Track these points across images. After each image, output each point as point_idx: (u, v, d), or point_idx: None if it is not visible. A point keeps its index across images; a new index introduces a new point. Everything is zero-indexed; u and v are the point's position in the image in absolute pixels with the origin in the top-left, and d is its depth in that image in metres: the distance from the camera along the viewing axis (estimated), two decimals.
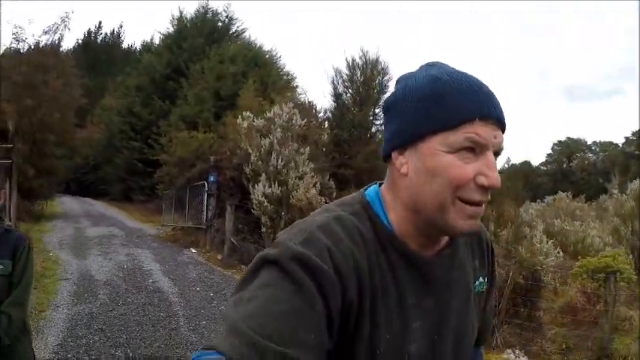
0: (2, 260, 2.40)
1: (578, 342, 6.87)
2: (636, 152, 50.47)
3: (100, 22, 60.91)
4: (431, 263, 0.96)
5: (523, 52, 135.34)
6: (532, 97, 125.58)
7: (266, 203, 10.80)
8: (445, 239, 0.99)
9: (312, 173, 11.34)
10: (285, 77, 25.86)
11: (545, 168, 63.38)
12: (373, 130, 16.31)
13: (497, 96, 0.91)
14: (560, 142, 64.01)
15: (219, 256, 11.58)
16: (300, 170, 11.24)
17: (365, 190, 1.03)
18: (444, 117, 0.86)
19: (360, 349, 0.88)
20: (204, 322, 6.66)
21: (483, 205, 0.90)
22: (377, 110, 16.43)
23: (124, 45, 59.82)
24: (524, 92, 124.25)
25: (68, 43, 57.44)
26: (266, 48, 28.12)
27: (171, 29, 31.23)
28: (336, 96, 16.39)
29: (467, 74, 0.92)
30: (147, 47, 50.81)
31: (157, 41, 39.02)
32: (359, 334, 0.88)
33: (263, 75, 22.63)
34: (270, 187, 10.87)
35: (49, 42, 18.93)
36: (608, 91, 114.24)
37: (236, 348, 0.71)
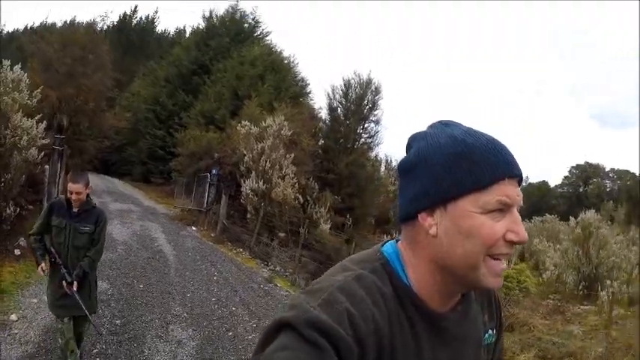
0: (89, 224, 4.33)
1: None
2: None
3: (136, 6, 64.48)
4: (447, 319, 1.01)
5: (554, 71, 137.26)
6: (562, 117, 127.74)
7: (252, 196, 14.30)
8: (459, 295, 1.04)
9: (294, 175, 14.73)
10: (299, 84, 28.85)
11: (562, 190, 65.38)
12: (360, 141, 19.69)
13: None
14: (578, 165, 65.87)
15: (213, 234, 15.21)
16: (284, 172, 14.65)
17: (382, 246, 1.07)
18: (475, 178, 0.91)
19: None
20: (187, 273, 10.08)
21: (505, 264, 0.96)
22: (366, 125, 19.83)
23: (158, 29, 63.38)
24: (552, 112, 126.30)
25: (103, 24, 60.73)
26: (285, 54, 31.16)
27: (202, 24, 34.83)
28: (331, 110, 19.81)
29: (485, 134, 0.97)
30: (180, 34, 54.36)
31: (188, 30, 42.42)
32: None
33: (279, 80, 25.89)
34: (256, 183, 14.33)
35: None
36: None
37: None
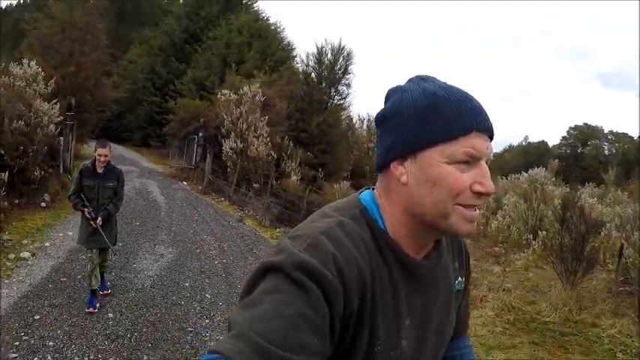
0: (112, 181, 6.04)
1: None
2: None
3: None
4: (421, 265, 1.06)
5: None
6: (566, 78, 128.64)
7: (231, 154, 17.33)
8: (431, 243, 1.10)
9: (267, 135, 17.68)
10: (285, 48, 31.07)
11: (560, 151, 64.55)
12: (332, 103, 22.53)
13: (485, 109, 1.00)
14: (576, 126, 65.99)
15: (200, 187, 18.46)
16: (258, 132, 17.61)
17: (359, 194, 1.12)
18: (442, 129, 0.95)
19: (359, 348, 0.96)
20: (174, 215, 13.18)
21: (478, 211, 1.00)
22: (339, 88, 22.64)
23: None
24: (558, 73, 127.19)
25: None
26: (272, 20, 33.62)
27: None
28: (305, 75, 22.57)
29: (459, 89, 1.01)
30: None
31: None
32: (358, 335, 0.95)
33: (264, 46, 28.37)
34: (235, 142, 17.33)
35: None
36: None
37: (243, 353, 0.75)
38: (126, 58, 41.08)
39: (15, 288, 6.39)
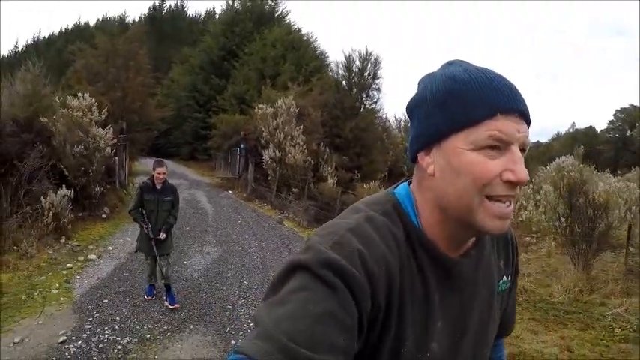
0: (169, 196, 6.83)
1: None
2: None
3: None
4: (458, 264, 1.02)
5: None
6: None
7: (270, 162, 18.66)
8: (472, 240, 1.05)
9: (303, 143, 18.91)
10: (318, 57, 32.21)
11: (608, 135, 62.33)
12: (363, 108, 23.64)
13: (519, 89, 0.93)
14: (622, 108, 62.57)
15: (244, 195, 19.89)
16: (294, 141, 18.87)
17: (394, 188, 1.09)
18: (465, 114, 0.90)
19: (385, 348, 0.93)
20: (220, 220, 14.54)
21: (512, 207, 0.94)
22: (370, 93, 23.75)
23: (189, 13, 67.41)
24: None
25: (134, 16, 64.14)
26: (304, 31, 34.99)
27: (228, 7, 38.92)
28: (337, 83, 23.75)
29: (486, 69, 0.95)
30: (210, 16, 57.91)
31: (218, 10, 45.80)
32: (385, 334, 0.92)
33: (299, 57, 29.75)
34: (273, 152, 18.65)
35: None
36: None
37: (268, 353, 0.75)
38: (168, 78, 43.03)
39: (86, 282, 7.79)
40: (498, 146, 0.90)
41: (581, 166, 19.65)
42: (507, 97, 0.91)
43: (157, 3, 65.33)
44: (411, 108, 1.02)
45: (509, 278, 1.19)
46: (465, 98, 0.91)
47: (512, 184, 0.90)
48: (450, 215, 0.96)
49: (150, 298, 7.09)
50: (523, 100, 0.93)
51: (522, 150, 0.92)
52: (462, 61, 1.01)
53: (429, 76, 1.02)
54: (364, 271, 0.87)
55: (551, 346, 6.22)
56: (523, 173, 0.89)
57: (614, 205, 13.07)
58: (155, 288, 7.29)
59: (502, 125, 0.89)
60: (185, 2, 67.11)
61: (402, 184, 1.09)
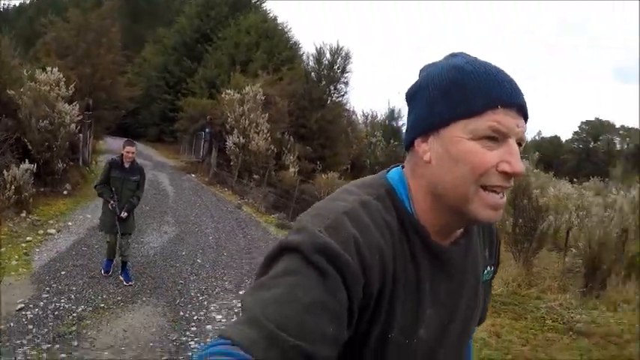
0: (136, 175, 6.99)
1: None
2: None
3: None
4: (448, 252, 1.03)
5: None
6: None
7: (234, 148, 19.08)
8: (460, 228, 1.06)
9: (268, 131, 19.36)
10: (292, 48, 32.33)
11: (573, 145, 65.88)
12: (331, 100, 24.16)
13: (518, 85, 0.96)
14: (588, 121, 66.67)
15: (206, 179, 20.29)
16: (259, 128, 19.31)
17: (387, 172, 1.09)
18: (466, 104, 0.92)
19: (373, 333, 0.94)
20: (180, 202, 14.94)
21: (505, 198, 0.95)
22: (339, 86, 24.25)
23: None
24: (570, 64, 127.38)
25: None
26: (279, 20, 35.02)
27: None
28: (306, 74, 24.22)
29: (488, 63, 0.98)
30: None
31: None
32: (375, 322, 0.93)
33: (272, 46, 29.80)
34: (237, 138, 19.07)
35: None
36: None
37: (253, 341, 0.73)
38: (141, 56, 42.60)
39: (45, 255, 8.16)
40: (496, 138, 0.92)
41: (535, 170, 20.71)
42: (508, 90, 0.93)
43: None
44: (411, 95, 1.04)
45: (492, 269, 1.22)
46: (468, 88, 0.94)
47: (507, 175, 0.92)
48: (444, 203, 0.98)
49: (106, 274, 7.33)
50: (522, 95, 0.96)
51: (519, 144, 0.95)
52: (465, 53, 1.03)
53: (432, 65, 1.04)
54: (358, 259, 0.86)
55: (480, 331, 6.49)
56: (519, 165, 0.91)
57: (564, 209, 13.94)
58: (112, 264, 7.51)
59: (502, 118, 0.91)
60: None
61: (394, 169, 1.10)
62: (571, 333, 6.81)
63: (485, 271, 1.18)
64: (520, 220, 10.82)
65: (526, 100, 0.97)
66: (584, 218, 12.39)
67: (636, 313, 7.68)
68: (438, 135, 0.96)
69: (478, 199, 0.93)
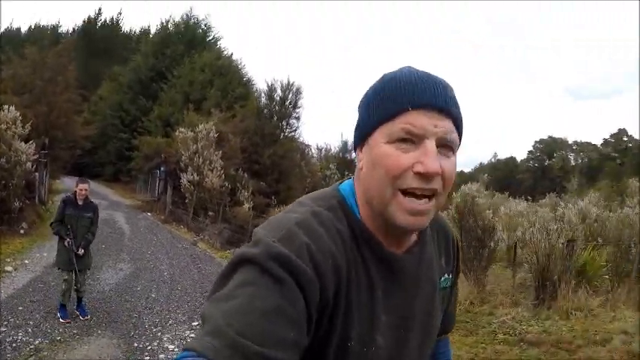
0: (89, 213, 7.30)
1: None
2: (612, 154, 55.67)
3: (100, 9, 66.20)
4: (401, 260, 1.04)
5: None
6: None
7: (188, 185, 19.62)
8: (414, 237, 1.08)
9: (221, 167, 19.95)
10: (245, 84, 33.12)
11: (528, 164, 67.85)
12: (283, 136, 24.90)
13: (448, 88, 0.97)
14: (541, 139, 68.50)
15: (162, 217, 20.72)
16: (213, 165, 19.90)
17: (340, 184, 1.11)
18: (382, 109, 0.95)
19: (332, 342, 0.95)
20: (136, 240, 15.30)
21: (429, 203, 0.95)
22: (290, 121, 25.04)
23: (124, 29, 65.70)
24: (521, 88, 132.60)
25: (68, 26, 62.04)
26: (234, 57, 35.75)
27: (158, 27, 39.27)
28: (258, 111, 24.96)
29: (419, 71, 0.99)
30: (146, 34, 56.97)
31: (153, 29, 45.76)
32: (333, 328, 0.94)
33: (225, 83, 30.54)
34: (192, 175, 19.62)
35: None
36: (607, 92, 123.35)
37: (217, 350, 0.74)
38: (97, 94, 42.84)
39: (2, 291, 8.46)
40: (412, 140, 0.92)
41: (485, 192, 21.67)
42: (422, 92, 0.93)
43: (92, 16, 64.16)
44: (358, 109, 1.06)
45: (450, 277, 1.22)
46: (384, 95, 0.96)
47: (422, 177, 0.91)
48: (372, 209, 0.99)
49: (64, 321, 7.19)
50: (446, 97, 0.95)
51: (446, 146, 0.94)
52: (409, 66, 1.03)
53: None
54: (312, 265, 0.88)
55: None
56: (432, 165, 0.90)
57: (517, 226, 14.55)
58: (67, 310, 7.43)
59: (414, 119, 0.92)
60: (121, 17, 65.31)
61: (347, 181, 1.11)
62: (522, 344, 7.11)
63: (443, 279, 1.19)
64: (465, 240, 11.33)
65: (455, 102, 0.97)
66: (534, 234, 13.19)
67: (588, 319, 8.03)
68: (367, 143, 0.99)
69: (396, 204, 0.94)
